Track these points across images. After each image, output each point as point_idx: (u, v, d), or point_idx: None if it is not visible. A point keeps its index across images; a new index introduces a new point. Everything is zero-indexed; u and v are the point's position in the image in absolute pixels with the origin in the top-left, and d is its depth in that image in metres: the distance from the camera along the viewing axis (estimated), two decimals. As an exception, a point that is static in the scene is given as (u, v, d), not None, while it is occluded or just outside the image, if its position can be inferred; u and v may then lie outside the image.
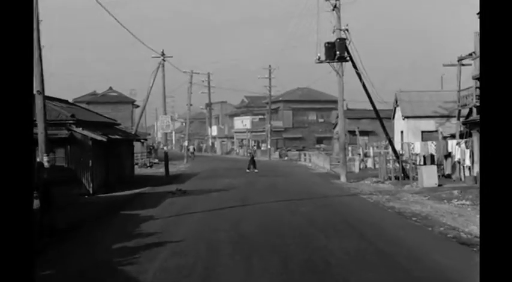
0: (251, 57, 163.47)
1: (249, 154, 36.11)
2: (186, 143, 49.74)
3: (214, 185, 24.43)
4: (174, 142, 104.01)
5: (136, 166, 42.41)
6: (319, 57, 26.79)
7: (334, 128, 55.41)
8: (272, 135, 56.92)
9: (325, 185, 25.00)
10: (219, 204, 17.24)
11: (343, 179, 26.96)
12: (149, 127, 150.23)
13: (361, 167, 34.38)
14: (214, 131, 79.40)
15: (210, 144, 77.37)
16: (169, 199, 19.22)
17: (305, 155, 46.70)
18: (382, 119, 44.08)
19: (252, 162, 34.39)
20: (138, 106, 58.17)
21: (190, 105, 49.36)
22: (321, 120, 65.04)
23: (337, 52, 26.36)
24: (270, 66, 54.47)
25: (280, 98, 63.52)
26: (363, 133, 48.21)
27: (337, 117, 54.74)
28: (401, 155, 28.67)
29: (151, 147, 73.30)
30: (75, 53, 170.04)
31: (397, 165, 26.86)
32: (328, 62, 27.01)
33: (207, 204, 17.25)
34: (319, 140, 64.25)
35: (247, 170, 33.79)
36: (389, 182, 25.48)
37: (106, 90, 56.24)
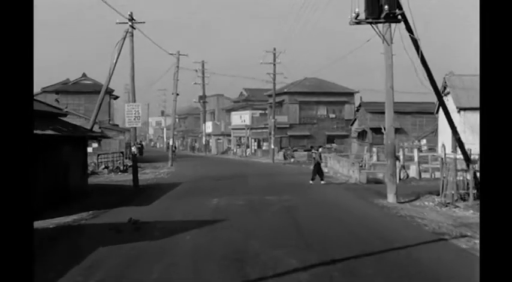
0: (252, 46, 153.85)
1: (313, 159, 26.15)
2: (171, 142, 40.56)
3: (193, 212, 15.42)
4: (165, 140, 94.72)
5: (105, 170, 33.63)
6: (357, 15, 17.78)
7: (351, 124, 46.37)
8: (275, 133, 47.83)
9: (370, 211, 15.88)
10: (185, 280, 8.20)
11: (391, 198, 17.92)
12: (143, 124, 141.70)
13: (402, 176, 25.35)
14: (209, 127, 70.34)
15: (204, 142, 68.20)
16: (95, 253, 10.10)
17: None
18: (418, 113, 34.97)
19: (318, 170, 24.72)
20: (117, 97, 49.23)
21: (177, 94, 40.07)
22: (332, 115, 56.06)
23: (385, 7, 17.36)
24: (274, 49, 45.27)
25: (285, 90, 54.50)
26: (389, 131, 39.22)
27: (357, 110, 45.43)
28: (470, 162, 19.74)
29: (140, 146, 64.36)
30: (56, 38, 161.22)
31: (468, 177, 17.99)
32: (370, 23, 17.98)
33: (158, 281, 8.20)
34: (330, 139, 55.33)
35: (311, 182, 24.45)
36: (465, 205, 16.55)
37: (78, 78, 47.23)
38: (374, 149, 37.01)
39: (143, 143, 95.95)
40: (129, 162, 40.28)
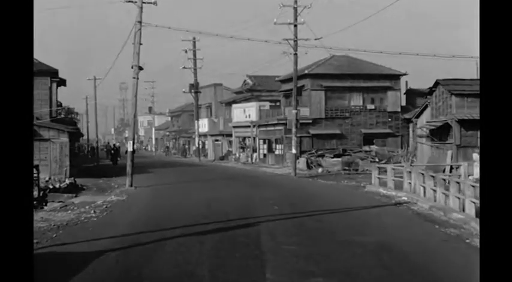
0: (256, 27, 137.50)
1: None
2: (130, 146, 25.18)
3: None
4: (153, 142, 79.60)
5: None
6: None
7: (416, 116, 30.89)
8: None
9: None
10: None
11: None
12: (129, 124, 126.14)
13: None
14: (204, 125, 55.16)
15: (197, 144, 52.91)
16: None
17: (382, 169, 21.48)
18: None
19: None
20: (62, 81, 33.93)
21: (140, 68, 24.55)
22: (370, 106, 40.75)
23: None
24: (296, 1, 29.77)
25: (306, 71, 39.22)
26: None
27: (430, 93, 29.28)
28: None
29: (114, 150, 49.21)
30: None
31: None
32: None
33: None
34: (368, 139, 40.19)
35: None
36: None
37: (5, 52, 32.02)
38: (475, 156, 21.71)
39: (135, 145, 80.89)
40: (64, 181, 25.27)
